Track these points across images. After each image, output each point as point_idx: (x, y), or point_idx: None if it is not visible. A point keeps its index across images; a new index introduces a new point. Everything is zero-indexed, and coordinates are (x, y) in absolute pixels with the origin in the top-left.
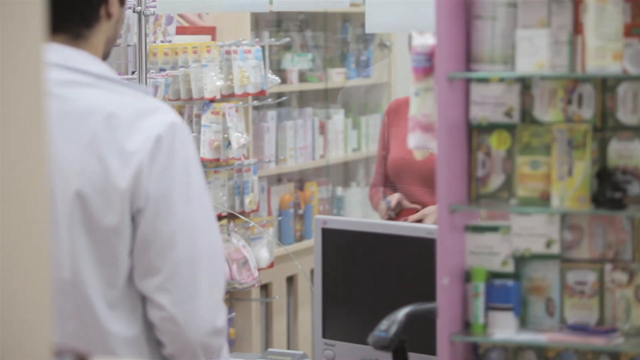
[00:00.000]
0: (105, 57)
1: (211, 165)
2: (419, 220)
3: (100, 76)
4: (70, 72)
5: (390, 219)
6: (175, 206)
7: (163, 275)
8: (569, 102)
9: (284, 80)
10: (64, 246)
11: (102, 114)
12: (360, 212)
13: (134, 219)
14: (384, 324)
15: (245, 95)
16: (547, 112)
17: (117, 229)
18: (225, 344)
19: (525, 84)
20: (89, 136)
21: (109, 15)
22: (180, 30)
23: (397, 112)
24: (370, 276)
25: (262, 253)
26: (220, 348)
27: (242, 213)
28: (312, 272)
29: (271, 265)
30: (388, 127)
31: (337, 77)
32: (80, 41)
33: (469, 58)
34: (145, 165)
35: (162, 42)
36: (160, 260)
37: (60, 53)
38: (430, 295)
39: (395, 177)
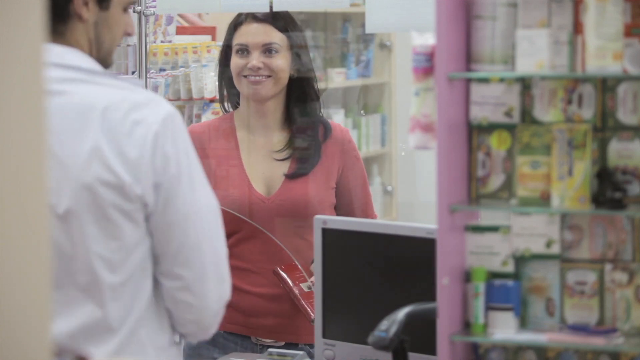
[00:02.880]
0: (102, 61)
1: None
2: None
3: (91, 71)
4: (62, 68)
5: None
6: (183, 192)
7: (178, 257)
8: (569, 102)
9: None
10: (75, 239)
11: (99, 108)
12: None
13: (144, 210)
14: (384, 324)
15: None
16: (547, 112)
17: (126, 220)
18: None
19: (525, 84)
20: (91, 131)
21: (79, 16)
22: (180, 30)
23: (200, 141)
24: (370, 276)
25: None
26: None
27: None
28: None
29: None
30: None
31: (337, 77)
32: (55, 36)
33: (469, 58)
34: (148, 158)
35: (162, 42)
36: (176, 244)
37: (49, 50)
38: (430, 295)
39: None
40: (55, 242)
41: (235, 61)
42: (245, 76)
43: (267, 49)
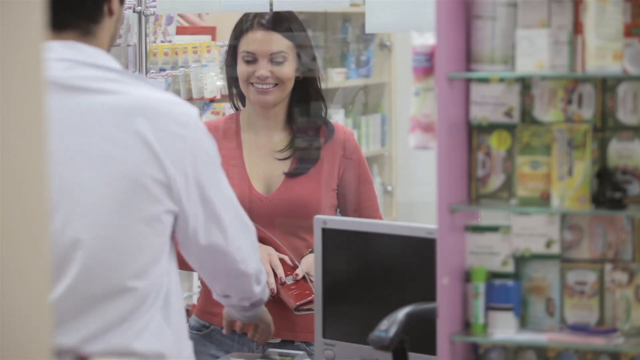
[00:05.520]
0: None
1: None
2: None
3: (123, 72)
4: (97, 69)
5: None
6: (212, 186)
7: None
8: (569, 102)
9: None
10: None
11: (143, 107)
12: None
13: (177, 206)
14: (384, 324)
15: None
16: (547, 112)
17: (155, 218)
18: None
19: (525, 84)
20: (136, 130)
21: (110, 12)
22: (180, 30)
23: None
24: (370, 276)
25: None
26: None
27: None
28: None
29: None
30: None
31: (337, 77)
32: (88, 37)
33: (469, 58)
34: (186, 156)
35: (162, 42)
36: (211, 235)
37: (83, 51)
38: (430, 295)
39: None
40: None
41: (243, 68)
42: (252, 83)
43: (274, 58)
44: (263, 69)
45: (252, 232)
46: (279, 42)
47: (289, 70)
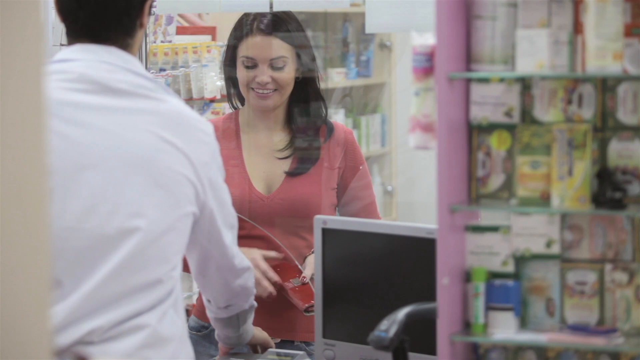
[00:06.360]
0: None
1: None
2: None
3: (155, 81)
4: (134, 75)
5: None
6: (223, 190)
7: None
8: (569, 102)
9: None
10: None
11: (171, 115)
12: None
13: (198, 208)
14: (384, 324)
15: None
16: (547, 112)
17: (186, 217)
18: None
19: (525, 84)
20: (163, 134)
21: (142, 25)
22: (180, 30)
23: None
24: (370, 276)
25: None
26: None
27: None
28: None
29: None
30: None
31: (337, 77)
32: (128, 50)
33: (469, 58)
34: (208, 160)
35: (162, 42)
36: (215, 235)
37: (122, 57)
38: (430, 295)
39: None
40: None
41: (243, 73)
42: (252, 88)
43: (275, 63)
44: (263, 74)
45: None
46: (278, 47)
47: (289, 74)
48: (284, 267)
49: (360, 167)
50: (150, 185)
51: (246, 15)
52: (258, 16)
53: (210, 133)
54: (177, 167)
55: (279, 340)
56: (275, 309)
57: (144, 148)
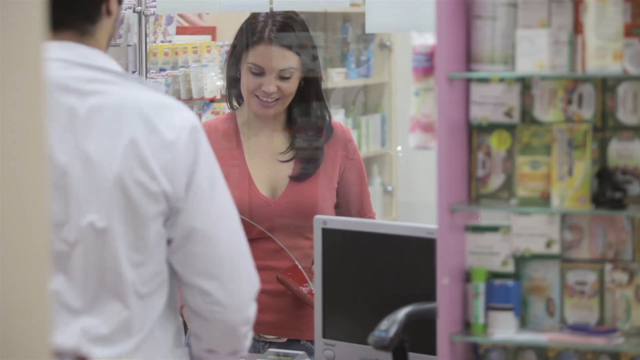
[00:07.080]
0: None
1: None
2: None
3: (119, 74)
4: (92, 69)
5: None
6: (213, 196)
7: (207, 261)
8: (569, 102)
9: None
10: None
11: (133, 110)
12: None
13: (171, 211)
14: (384, 324)
15: None
16: (547, 112)
17: (153, 219)
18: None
19: (525, 84)
20: (125, 132)
21: (109, 12)
22: (180, 30)
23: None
24: (370, 276)
25: None
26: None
27: None
28: (311, 267)
29: None
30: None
31: (337, 77)
32: (85, 37)
33: (469, 58)
34: (181, 160)
35: (162, 42)
36: (202, 247)
37: (79, 51)
38: (430, 295)
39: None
40: (88, 244)
41: (249, 79)
42: (256, 95)
43: (282, 74)
44: (270, 84)
45: None
46: (288, 58)
47: (294, 84)
48: (296, 270)
49: (358, 165)
50: (104, 190)
51: (255, 16)
52: (269, 22)
53: (184, 125)
54: (129, 164)
55: (285, 339)
56: (281, 308)
57: (92, 150)
